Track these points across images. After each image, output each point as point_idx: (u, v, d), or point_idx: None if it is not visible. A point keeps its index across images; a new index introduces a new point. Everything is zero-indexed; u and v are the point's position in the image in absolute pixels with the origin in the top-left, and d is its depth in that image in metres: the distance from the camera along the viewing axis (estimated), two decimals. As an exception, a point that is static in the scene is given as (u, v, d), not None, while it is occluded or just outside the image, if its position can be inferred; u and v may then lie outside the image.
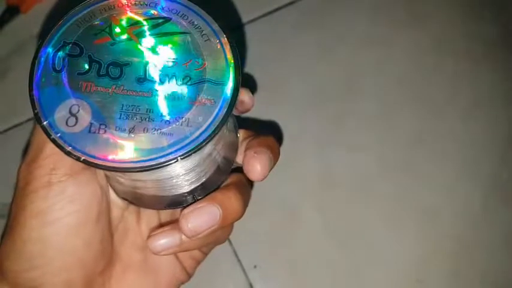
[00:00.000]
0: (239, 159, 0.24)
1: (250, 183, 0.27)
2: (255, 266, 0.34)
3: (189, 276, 0.27)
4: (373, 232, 0.34)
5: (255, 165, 0.22)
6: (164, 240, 0.23)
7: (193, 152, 0.18)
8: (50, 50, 0.19)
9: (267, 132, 0.25)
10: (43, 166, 0.20)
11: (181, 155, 0.18)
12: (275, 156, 0.23)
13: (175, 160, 0.18)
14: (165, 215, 0.26)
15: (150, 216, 0.26)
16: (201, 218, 0.21)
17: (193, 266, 0.27)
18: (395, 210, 0.35)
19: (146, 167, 0.18)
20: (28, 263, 0.21)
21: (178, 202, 0.23)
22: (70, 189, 0.21)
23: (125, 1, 0.20)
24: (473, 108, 0.37)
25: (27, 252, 0.21)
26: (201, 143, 0.18)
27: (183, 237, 0.23)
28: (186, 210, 0.21)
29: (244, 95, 0.23)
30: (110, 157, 0.18)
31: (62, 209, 0.20)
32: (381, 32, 0.39)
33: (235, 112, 0.24)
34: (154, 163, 0.18)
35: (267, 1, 0.39)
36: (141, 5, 0.20)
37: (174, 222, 0.24)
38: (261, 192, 0.34)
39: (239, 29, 0.38)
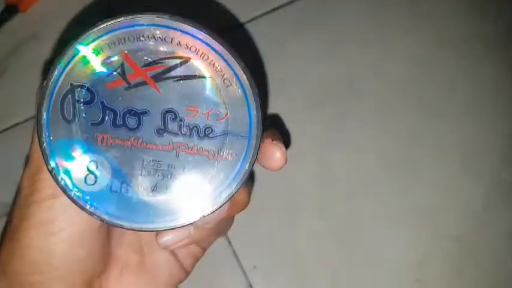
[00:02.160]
0: None
1: (251, 180, 0.27)
2: (254, 267, 0.34)
3: (187, 274, 0.27)
4: (373, 232, 0.34)
5: (275, 153, 0.21)
6: (173, 234, 0.23)
7: (216, 210, 0.18)
8: (56, 93, 0.17)
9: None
10: (47, 179, 0.20)
11: (205, 214, 0.17)
12: None
13: (198, 219, 0.18)
14: None
15: None
16: None
17: (191, 263, 0.27)
18: (396, 210, 0.35)
19: (170, 227, 0.17)
20: (32, 268, 0.21)
21: None
22: None
23: (137, 34, 0.17)
24: (474, 107, 0.37)
25: (31, 258, 0.21)
26: (224, 200, 0.18)
27: (191, 228, 0.23)
28: None
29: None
30: (134, 218, 0.17)
31: (66, 220, 0.20)
32: (381, 31, 0.39)
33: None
34: (178, 224, 0.17)
35: (267, 0, 0.39)
36: (155, 39, 0.17)
37: None
38: (261, 192, 0.34)
39: (239, 29, 0.38)
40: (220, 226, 0.24)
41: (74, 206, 0.20)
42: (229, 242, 0.34)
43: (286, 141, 0.33)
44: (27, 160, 0.21)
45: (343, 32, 0.38)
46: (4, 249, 0.22)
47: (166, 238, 0.23)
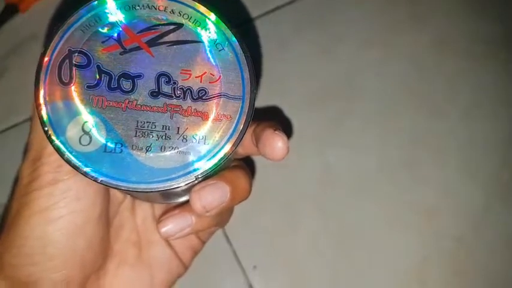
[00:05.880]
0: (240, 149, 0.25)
1: (250, 172, 0.27)
2: (254, 267, 0.33)
3: (186, 268, 0.27)
4: (373, 232, 0.34)
5: (277, 142, 0.21)
6: (174, 223, 0.23)
7: (212, 171, 0.18)
8: (54, 59, 0.17)
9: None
10: (48, 164, 0.20)
11: (200, 174, 0.18)
12: None
13: (194, 180, 0.18)
14: (159, 209, 0.26)
15: (144, 211, 0.26)
16: (212, 194, 0.21)
17: (190, 257, 0.27)
18: (396, 210, 0.35)
19: (166, 187, 0.17)
20: (29, 259, 0.21)
21: (178, 196, 0.23)
22: (75, 187, 0.20)
23: (132, 4, 0.18)
24: (473, 108, 0.37)
25: (28, 248, 0.21)
26: (219, 161, 0.18)
27: (193, 218, 0.23)
28: (196, 187, 0.21)
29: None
30: (129, 178, 0.17)
31: (65, 207, 0.20)
32: (382, 32, 0.39)
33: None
34: (173, 184, 0.17)
35: (267, 0, 0.39)
36: (149, 8, 0.18)
37: (168, 212, 0.24)
38: (261, 192, 0.33)
39: (238, 28, 0.38)
40: (221, 216, 0.24)
41: (73, 190, 0.20)
42: (229, 242, 0.34)
43: (287, 131, 0.34)
44: (26, 149, 0.21)
45: (343, 32, 0.38)
46: (2, 241, 0.22)
47: (168, 227, 0.23)
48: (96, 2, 0.18)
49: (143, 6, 0.18)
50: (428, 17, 0.39)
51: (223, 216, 0.25)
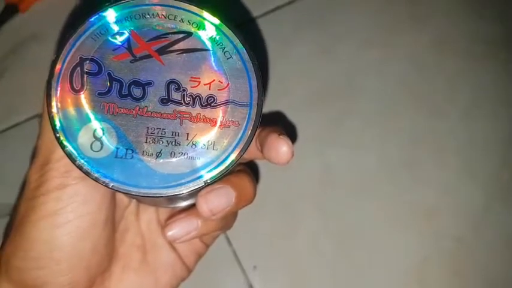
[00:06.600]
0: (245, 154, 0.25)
1: (255, 177, 0.27)
2: (254, 267, 0.34)
3: (189, 271, 0.27)
4: (373, 232, 0.34)
5: (282, 146, 0.22)
6: (181, 227, 0.24)
7: (221, 176, 0.18)
8: (66, 67, 0.18)
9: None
10: (55, 169, 0.20)
11: (209, 180, 0.18)
12: None
13: (204, 185, 0.18)
14: (163, 213, 0.27)
15: (148, 215, 0.26)
16: (218, 198, 0.22)
17: (194, 261, 0.27)
18: (396, 210, 0.35)
19: (175, 193, 0.18)
20: (35, 263, 0.21)
21: (183, 200, 0.24)
22: (82, 192, 0.21)
23: (141, 13, 0.19)
24: (473, 108, 0.37)
25: (35, 252, 0.21)
26: (227, 167, 0.18)
27: (199, 221, 0.23)
28: (203, 191, 0.21)
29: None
30: (139, 183, 0.18)
31: (73, 212, 0.20)
32: (382, 32, 0.39)
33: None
34: (183, 189, 0.18)
35: (267, 0, 0.39)
36: (158, 17, 0.19)
37: (173, 217, 0.24)
38: (261, 193, 0.33)
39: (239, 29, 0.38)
40: (226, 220, 0.25)
41: (81, 195, 0.20)
42: (229, 242, 0.34)
43: (291, 135, 0.34)
44: (34, 154, 0.21)
45: (343, 32, 0.38)
46: (9, 244, 0.22)
47: (174, 231, 0.24)
48: (106, 11, 0.18)
49: (152, 15, 0.18)
50: (428, 17, 0.39)
51: (227, 220, 0.26)
